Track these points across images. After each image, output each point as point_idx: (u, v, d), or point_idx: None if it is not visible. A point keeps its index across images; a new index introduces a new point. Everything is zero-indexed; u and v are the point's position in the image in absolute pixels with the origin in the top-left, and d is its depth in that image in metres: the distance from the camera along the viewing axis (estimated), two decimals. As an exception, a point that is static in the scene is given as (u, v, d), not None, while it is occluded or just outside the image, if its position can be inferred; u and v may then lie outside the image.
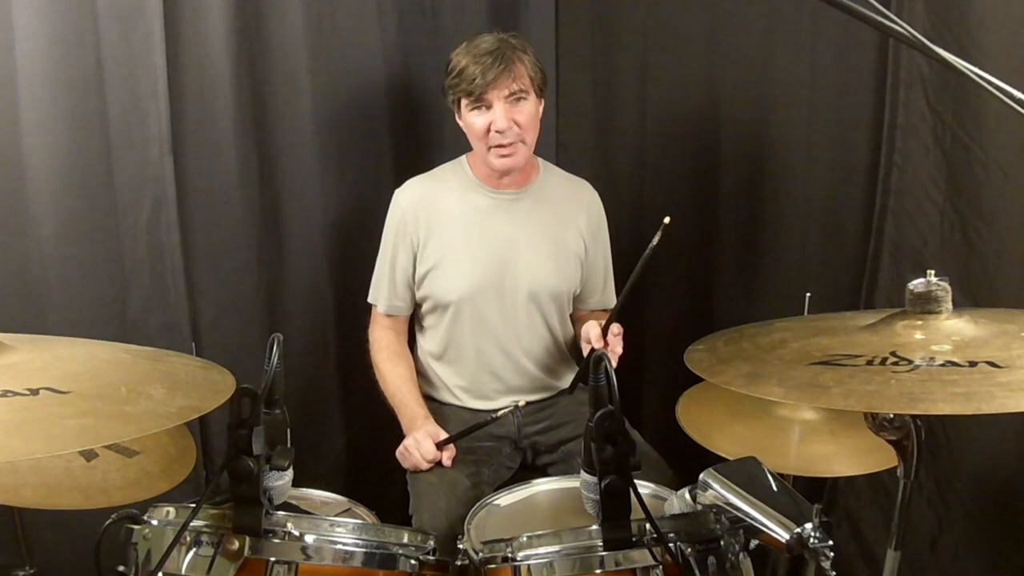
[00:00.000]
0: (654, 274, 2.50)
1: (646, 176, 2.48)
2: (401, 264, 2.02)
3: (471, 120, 1.91)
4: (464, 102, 1.90)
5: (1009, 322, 1.27)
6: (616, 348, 1.83)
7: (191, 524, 1.24)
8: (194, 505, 1.24)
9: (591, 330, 1.85)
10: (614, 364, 1.29)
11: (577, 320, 2.13)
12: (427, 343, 2.08)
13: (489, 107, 1.88)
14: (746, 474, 1.35)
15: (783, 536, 1.22)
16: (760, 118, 2.29)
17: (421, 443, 1.88)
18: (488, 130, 1.88)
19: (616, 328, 1.85)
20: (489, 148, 1.91)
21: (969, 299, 1.94)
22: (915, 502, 2.03)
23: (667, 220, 1.67)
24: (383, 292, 2.05)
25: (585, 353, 1.89)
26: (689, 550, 1.26)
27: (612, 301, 2.15)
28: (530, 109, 1.91)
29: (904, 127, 2.01)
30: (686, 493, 1.38)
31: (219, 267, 2.12)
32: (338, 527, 1.32)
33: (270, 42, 2.11)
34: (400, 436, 1.99)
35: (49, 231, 1.92)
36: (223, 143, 2.07)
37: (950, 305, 1.25)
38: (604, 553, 1.26)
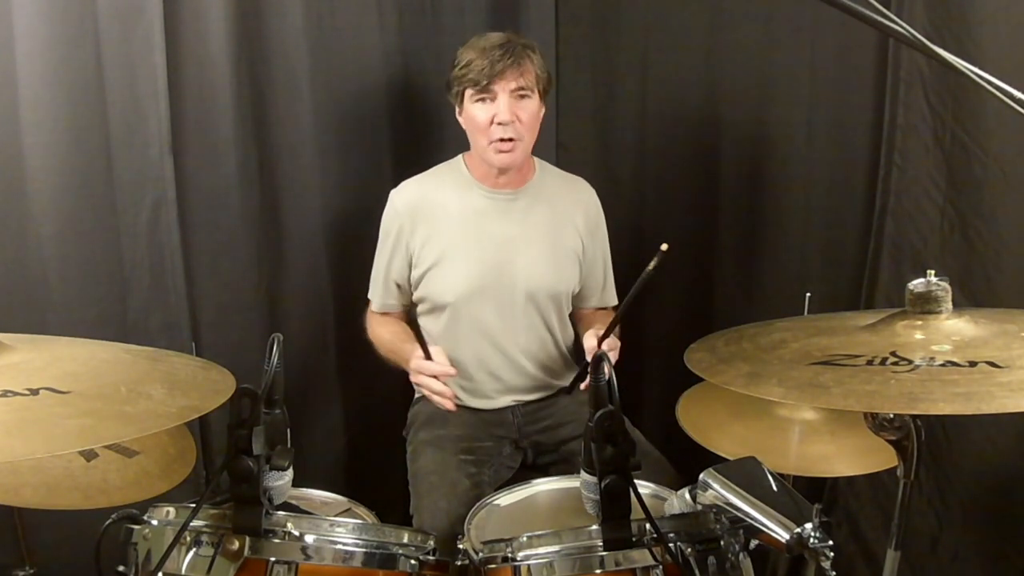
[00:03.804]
0: (654, 274, 2.50)
1: (646, 176, 2.48)
2: (396, 267, 2.02)
3: (474, 112, 1.90)
4: (469, 93, 1.90)
5: (1009, 322, 1.26)
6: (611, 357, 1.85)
7: (191, 524, 1.24)
8: (194, 505, 1.24)
9: (587, 342, 1.87)
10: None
11: (579, 320, 2.13)
12: (426, 343, 2.08)
13: (494, 99, 1.88)
14: (746, 474, 1.35)
15: (783, 536, 1.22)
16: (760, 118, 2.28)
17: (422, 364, 1.87)
18: (490, 123, 1.89)
19: (612, 342, 1.86)
20: (490, 142, 1.90)
21: (969, 299, 1.94)
22: (915, 502, 2.03)
23: (664, 247, 1.70)
24: (378, 291, 2.07)
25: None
26: (689, 550, 1.26)
27: (613, 300, 2.15)
28: (533, 108, 1.92)
29: (904, 127, 2.01)
30: (686, 493, 1.38)
31: (219, 267, 2.12)
32: (338, 527, 1.32)
33: (270, 42, 2.11)
34: (400, 436, 1.99)
35: (49, 231, 1.92)
36: (223, 143, 2.07)
37: (950, 305, 1.25)
38: (604, 553, 1.26)
